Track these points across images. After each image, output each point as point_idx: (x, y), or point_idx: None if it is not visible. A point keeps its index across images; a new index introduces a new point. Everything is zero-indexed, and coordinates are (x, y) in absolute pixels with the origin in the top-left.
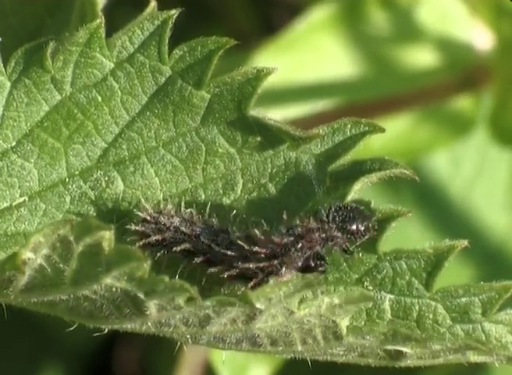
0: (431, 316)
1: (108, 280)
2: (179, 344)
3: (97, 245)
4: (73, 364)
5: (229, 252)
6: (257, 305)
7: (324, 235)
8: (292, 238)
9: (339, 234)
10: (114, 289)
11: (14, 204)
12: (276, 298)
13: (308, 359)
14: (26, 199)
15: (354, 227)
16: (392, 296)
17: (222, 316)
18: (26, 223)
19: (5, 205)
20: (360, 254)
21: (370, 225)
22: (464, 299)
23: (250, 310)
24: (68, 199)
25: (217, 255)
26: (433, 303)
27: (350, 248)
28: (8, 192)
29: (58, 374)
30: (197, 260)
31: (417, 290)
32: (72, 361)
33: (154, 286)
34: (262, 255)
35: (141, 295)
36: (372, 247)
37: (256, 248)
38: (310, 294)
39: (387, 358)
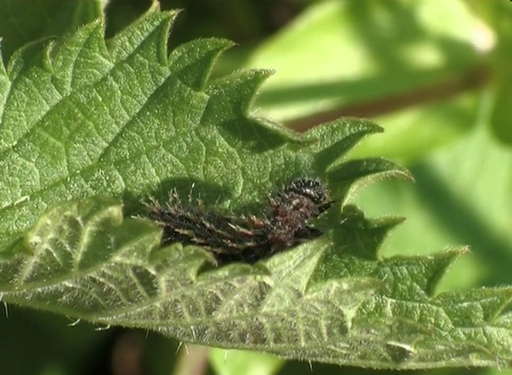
0: (432, 319)
1: (117, 258)
2: (180, 344)
3: (105, 223)
4: (73, 364)
5: (225, 234)
6: (269, 277)
7: (295, 204)
8: (270, 218)
9: (304, 201)
10: (123, 267)
11: (16, 203)
12: (286, 269)
13: (309, 361)
14: (28, 198)
15: (312, 192)
16: (393, 300)
17: (230, 297)
18: (28, 222)
19: (7, 204)
20: (361, 260)
21: (322, 190)
22: (465, 304)
23: (259, 287)
24: (69, 198)
25: (216, 239)
26: (435, 307)
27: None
28: (9, 191)
29: (58, 374)
30: (197, 241)
31: (418, 295)
32: (72, 361)
33: (166, 256)
34: (249, 237)
35: (152, 271)
36: (373, 253)
37: (243, 230)
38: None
39: (390, 359)
